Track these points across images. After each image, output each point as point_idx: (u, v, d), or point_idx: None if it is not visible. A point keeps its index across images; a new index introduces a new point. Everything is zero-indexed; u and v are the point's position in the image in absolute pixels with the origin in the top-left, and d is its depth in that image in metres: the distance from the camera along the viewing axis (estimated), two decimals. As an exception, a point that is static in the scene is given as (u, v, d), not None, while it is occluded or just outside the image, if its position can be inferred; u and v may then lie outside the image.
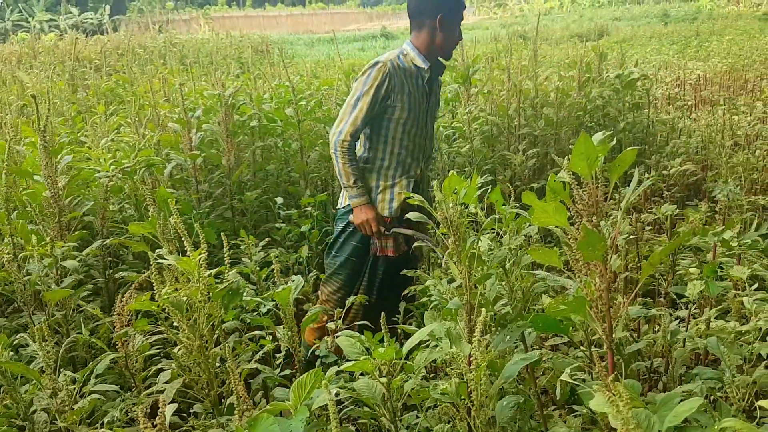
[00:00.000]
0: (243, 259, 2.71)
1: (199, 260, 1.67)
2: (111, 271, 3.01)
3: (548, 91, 4.61)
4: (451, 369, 1.52)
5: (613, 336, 1.32)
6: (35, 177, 2.68)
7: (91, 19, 35.24)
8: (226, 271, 1.78)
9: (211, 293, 1.68)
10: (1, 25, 34.11)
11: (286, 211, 3.69)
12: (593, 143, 1.10)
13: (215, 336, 1.72)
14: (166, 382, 1.85)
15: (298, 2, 47.06)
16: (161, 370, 1.81)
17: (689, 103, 6.82)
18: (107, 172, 3.18)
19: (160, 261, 1.72)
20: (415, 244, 2.69)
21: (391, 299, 2.70)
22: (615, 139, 1.22)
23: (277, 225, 3.65)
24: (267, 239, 3.25)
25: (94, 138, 3.90)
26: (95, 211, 2.89)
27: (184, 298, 1.67)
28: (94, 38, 16.19)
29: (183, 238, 1.72)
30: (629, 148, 1.14)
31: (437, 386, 1.53)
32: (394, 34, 27.44)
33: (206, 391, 1.75)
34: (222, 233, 2.02)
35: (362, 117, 2.63)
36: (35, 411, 1.69)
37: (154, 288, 2.05)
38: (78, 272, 2.29)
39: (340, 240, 2.83)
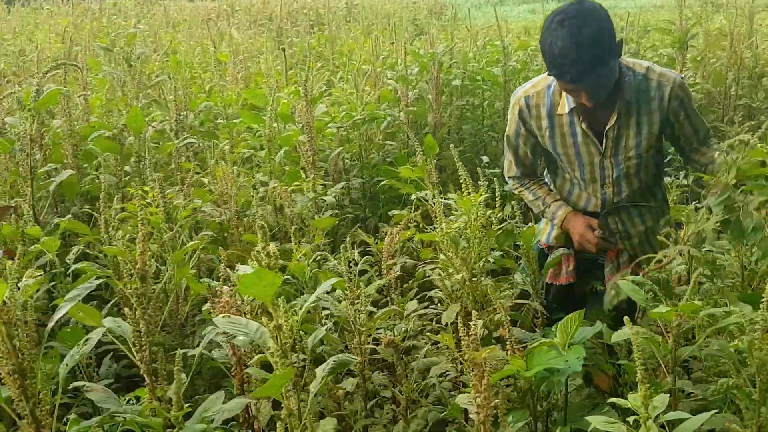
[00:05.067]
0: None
1: (479, 201, 1.87)
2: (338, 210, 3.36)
3: (772, 61, 4.33)
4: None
5: None
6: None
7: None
8: (497, 213, 1.97)
9: (485, 231, 1.87)
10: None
11: (491, 170, 3.83)
12: None
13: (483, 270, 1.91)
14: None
15: (461, -36, 46.19)
16: (422, 300, 2.05)
17: None
18: (337, 123, 3.51)
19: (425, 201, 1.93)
20: None
21: None
22: None
23: (480, 183, 3.81)
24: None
25: (311, 91, 4.27)
26: (333, 158, 3.21)
27: (460, 235, 1.88)
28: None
29: (463, 181, 1.92)
30: None
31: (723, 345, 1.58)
32: (562, -3, 26.28)
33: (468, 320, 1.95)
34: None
35: (515, 163, 2.34)
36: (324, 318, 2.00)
37: (418, 225, 2.31)
38: (334, 207, 2.60)
39: None
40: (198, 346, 2.08)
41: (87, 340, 1.20)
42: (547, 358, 1.52)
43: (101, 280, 1.34)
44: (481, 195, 1.87)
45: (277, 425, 1.23)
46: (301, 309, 1.32)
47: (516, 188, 2.40)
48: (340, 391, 1.81)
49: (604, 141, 2.14)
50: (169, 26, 7.49)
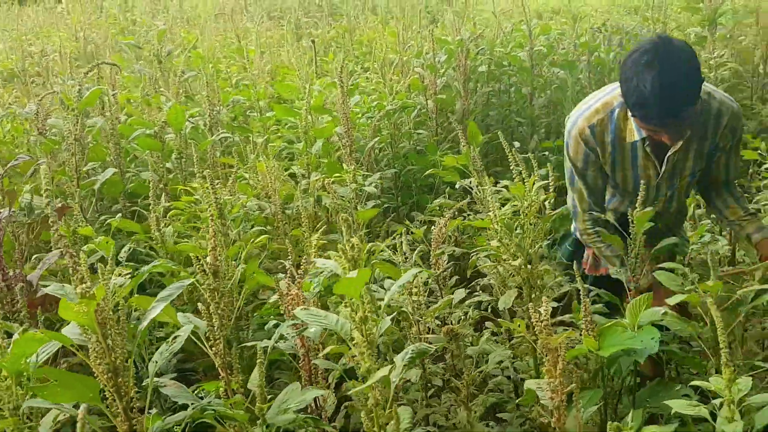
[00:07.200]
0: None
1: (534, 188, 1.86)
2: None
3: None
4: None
5: None
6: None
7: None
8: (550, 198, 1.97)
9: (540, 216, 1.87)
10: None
11: (523, 155, 3.81)
12: None
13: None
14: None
15: (468, -52, 45.73)
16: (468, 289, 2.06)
17: None
18: (368, 113, 3.51)
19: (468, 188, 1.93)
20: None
21: None
22: None
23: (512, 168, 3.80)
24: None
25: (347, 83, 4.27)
26: (369, 149, 3.21)
27: (514, 221, 1.88)
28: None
29: (517, 167, 1.92)
30: None
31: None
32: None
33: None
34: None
35: (587, 195, 2.17)
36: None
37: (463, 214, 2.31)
38: (376, 197, 2.61)
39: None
40: (252, 337, 2.11)
41: (175, 337, 1.21)
42: (622, 339, 1.50)
43: (192, 279, 1.36)
44: (535, 180, 1.87)
45: (362, 415, 1.25)
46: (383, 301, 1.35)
47: (587, 239, 2.21)
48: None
49: (665, 164, 2.08)
50: (184, 22, 7.50)
